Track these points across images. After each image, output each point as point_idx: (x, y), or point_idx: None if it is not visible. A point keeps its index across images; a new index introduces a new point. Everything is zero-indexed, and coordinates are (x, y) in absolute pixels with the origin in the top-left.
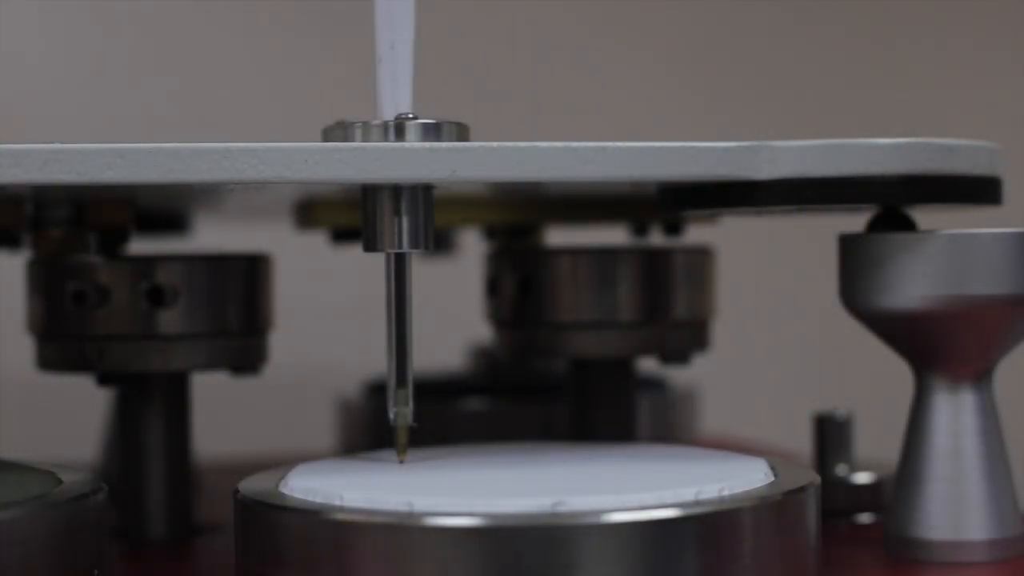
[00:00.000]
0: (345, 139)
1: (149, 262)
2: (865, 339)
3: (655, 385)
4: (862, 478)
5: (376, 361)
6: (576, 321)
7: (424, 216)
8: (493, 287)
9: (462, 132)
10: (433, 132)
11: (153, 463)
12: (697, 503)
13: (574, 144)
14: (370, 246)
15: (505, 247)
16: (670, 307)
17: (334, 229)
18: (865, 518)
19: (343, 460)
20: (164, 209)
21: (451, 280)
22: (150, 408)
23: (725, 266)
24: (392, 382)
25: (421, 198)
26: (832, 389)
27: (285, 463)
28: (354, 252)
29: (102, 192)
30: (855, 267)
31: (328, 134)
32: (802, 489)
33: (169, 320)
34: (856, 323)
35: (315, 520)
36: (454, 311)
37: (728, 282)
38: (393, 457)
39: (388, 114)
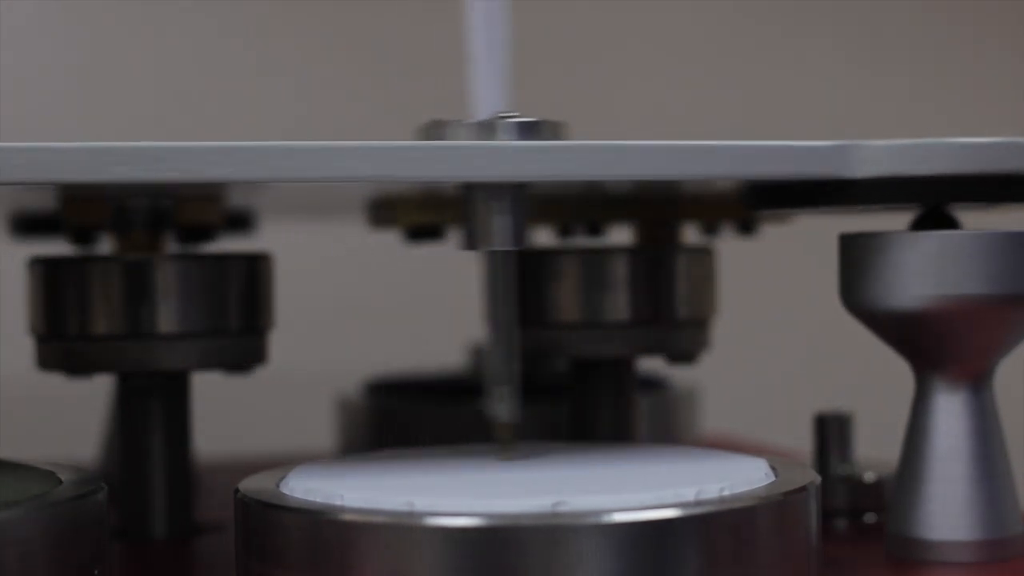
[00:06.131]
0: (441, 137)
1: (149, 261)
2: (865, 339)
3: (655, 385)
4: (862, 478)
5: (376, 361)
6: (576, 321)
7: (522, 214)
8: None
9: (558, 130)
10: (530, 131)
11: (153, 463)
12: (697, 503)
13: (672, 143)
14: (469, 244)
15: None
16: (671, 307)
17: (410, 227)
18: (865, 518)
19: (343, 460)
20: (235, 209)
21: (451, 280)
22: (150, 408)
23: (725, 266)
24: (494, 379)
25: (518, 196)
26: (832, 389)
27: (285, 463)
28: (354, 252)
29: (192, 190)
30: (855, 267)
31: (424, 132)
32: (802, 489)
33: (169, 319)
34: (856, 323)
35: (315, 520)
36: (454, 311)
37: (728, 282)
38: (393, 457)
39: (484, 112)
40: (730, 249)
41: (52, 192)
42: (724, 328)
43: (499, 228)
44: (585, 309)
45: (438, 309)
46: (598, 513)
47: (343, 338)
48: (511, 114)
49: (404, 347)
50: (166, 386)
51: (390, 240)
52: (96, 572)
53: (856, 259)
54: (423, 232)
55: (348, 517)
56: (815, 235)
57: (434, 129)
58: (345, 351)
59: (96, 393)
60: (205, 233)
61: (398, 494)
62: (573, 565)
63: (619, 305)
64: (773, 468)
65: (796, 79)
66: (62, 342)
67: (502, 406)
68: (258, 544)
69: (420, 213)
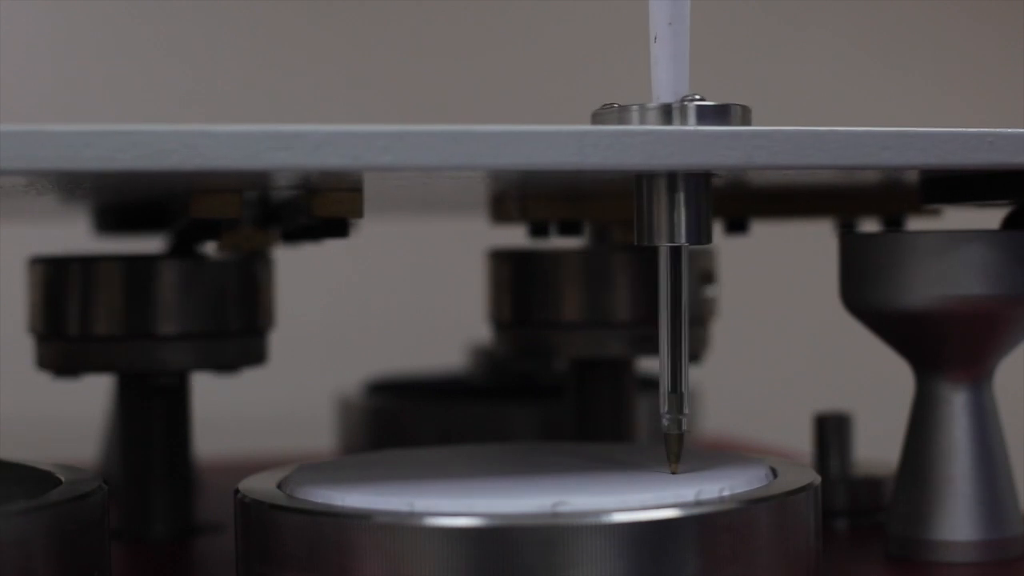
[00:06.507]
0: (623, 122)
1: (150, 262)
2: (865, 339)
3: (655, 385)
4: (862, 478)
5: (376, 361)
6: (576, 321)
7: (705, 207)
8: (493, 287)
9: (747, 115)
10: (720, 115)
11: (153, 463)
12: (697, 503)
13: (873, 129)
14: (643, 238)
15: (503, 251)
16: None
17: (534, 222)
18: (865, 518)
19: (343, 460)
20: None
21: (451, 280)
22: (150, 408)
23: (725, 266)
24: (665, 386)
25: (702, 187)
26: (832, 389)
27: (285, 463)
28: (352, 253)
29: (331, 181)
30: (855, 267)
31: (600, 117)
32: (802, 489)
33: (168, 320)
34: (856, 323)
35: (315, 520)
36: (454, 311)
37: (728, 282)
38: (393, 457)
39: (667, 96)
40: (730, 249)
41: (182, 184)
42: (724, 328)
43: (682, 221)
44: (586, 309)
45: (438, 309)
46: (598, 513)
47: (343, 338)
48: (697, 97)
49: (404, 347)
50: (166, 386)
51: (389, 240)
52: (95, 573)
53: (856, 259)
54: (562, 228)
55: (348, 517)
56: (815, 235)
57: (613, 114)
58: (345, 351)
59: (96, 393)
60: (342, 227)
61: (398, 494)
62: (573, 565)
63: (619, 305)
64: (773, 468)
65: (796, 77)
66: (62, 342)
67: (669, 416)
68: (258, 544)
69: (555, 208)
